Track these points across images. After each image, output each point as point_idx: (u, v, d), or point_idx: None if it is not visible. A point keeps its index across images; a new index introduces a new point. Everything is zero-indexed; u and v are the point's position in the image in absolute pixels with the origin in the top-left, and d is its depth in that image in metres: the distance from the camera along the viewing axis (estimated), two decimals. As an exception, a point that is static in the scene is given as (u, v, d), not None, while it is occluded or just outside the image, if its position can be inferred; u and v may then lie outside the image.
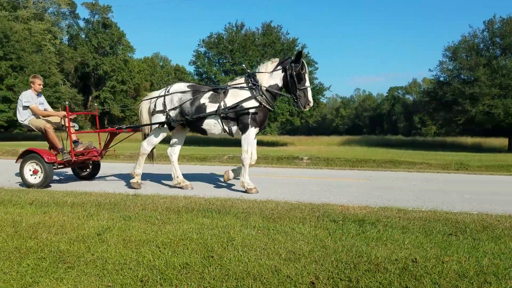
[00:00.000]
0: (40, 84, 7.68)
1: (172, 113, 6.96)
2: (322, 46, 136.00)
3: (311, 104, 6.59)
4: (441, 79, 28.85)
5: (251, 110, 6.55)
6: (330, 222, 4.46)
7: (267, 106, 6.64)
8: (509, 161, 13.75)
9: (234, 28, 32.27)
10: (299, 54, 6.47)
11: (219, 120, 6.75)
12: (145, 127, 7.49)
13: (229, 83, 7.13)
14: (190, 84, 7.34)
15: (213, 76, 30.08)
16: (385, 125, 79.85)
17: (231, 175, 7.18)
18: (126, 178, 8.57)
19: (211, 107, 6.76)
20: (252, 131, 6.66)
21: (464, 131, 37.98)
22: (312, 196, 6.51)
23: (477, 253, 3.41)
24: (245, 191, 6.79)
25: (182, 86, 7.21)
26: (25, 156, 7.36)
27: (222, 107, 6.64)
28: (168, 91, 7.12)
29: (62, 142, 7.56)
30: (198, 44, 32.53)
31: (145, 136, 7.54)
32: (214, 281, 2.85)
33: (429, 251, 3.43)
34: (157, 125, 7.11)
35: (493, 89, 24.18)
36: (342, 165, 12.80)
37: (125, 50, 57.76)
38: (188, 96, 6.93)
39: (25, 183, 7.26)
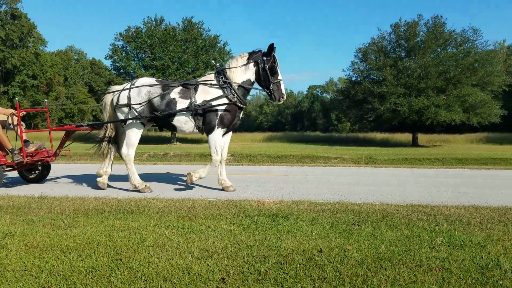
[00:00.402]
0: None
1: (140, 108, 6.47)
2: (244, 45, 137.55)
3: (285, 97, 6.53)
4: (353, 79, 30.58)
5: (220, 112, 6.33)
6: (246, 218, 4.56)
7: (240, 104, 6.45)
8: (412, 154, 15.09)
9: (154, 22, 31.32)
10: (271, 47, 6.35)
11: (190, 117, 6.43)
12: (108, 125, 6.84)
13: (198, 79, 6.78)
14: (158, 79, 6.88)
15: (131, 71, 28.90)
16: (305, 122, 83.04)
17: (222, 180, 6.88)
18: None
19: (181, 103, 6.42)
20: (219, 132, 6.44)
21: (374, 128, 40.79)
22: (231, 193, 6.58)
23: (376, 241, 3.71)
24: (186, 181, 6.52)
25: (149, 80, 6.79)
26: None
27: (194, 103, 6.31)
28: (133, 84, 6.64)
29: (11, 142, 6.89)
30: (115, 38, 31.10)
31: (105, 137, 6.86)
32: (122, 284, 2.77)
33: (333, 241, 3.67)
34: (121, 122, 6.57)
35: (399, 88, 26.22)
36: (264, 161, 13.12)
37: (36, 43, 53.57)
38: (157, 89, 6.53)
39: None
